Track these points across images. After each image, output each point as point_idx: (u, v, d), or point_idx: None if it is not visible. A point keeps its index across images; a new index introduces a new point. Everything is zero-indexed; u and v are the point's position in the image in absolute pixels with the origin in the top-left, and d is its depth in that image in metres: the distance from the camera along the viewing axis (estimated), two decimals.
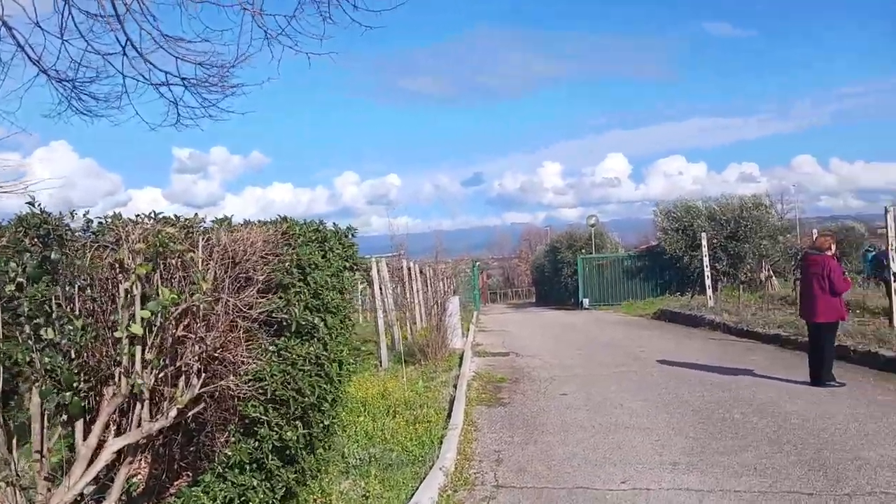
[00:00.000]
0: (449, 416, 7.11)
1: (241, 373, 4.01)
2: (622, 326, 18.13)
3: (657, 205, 27.59)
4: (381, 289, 12.16)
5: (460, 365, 10.81)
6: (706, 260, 18.55)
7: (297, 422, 4.42)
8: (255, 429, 4.29)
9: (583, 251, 30.59)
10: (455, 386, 8.85)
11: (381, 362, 11.15)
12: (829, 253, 8.12)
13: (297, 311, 3.97)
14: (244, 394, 4.08)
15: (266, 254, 3.90)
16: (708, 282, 18.44)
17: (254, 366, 4.01)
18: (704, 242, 18.71)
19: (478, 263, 46.34)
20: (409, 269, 16.81)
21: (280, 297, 3.99)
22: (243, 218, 4.64)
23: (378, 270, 11.96)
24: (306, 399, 4.33)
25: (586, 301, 28.32)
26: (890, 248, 10.84)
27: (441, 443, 5.99)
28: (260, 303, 3.81)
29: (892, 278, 10.71)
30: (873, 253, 20.40)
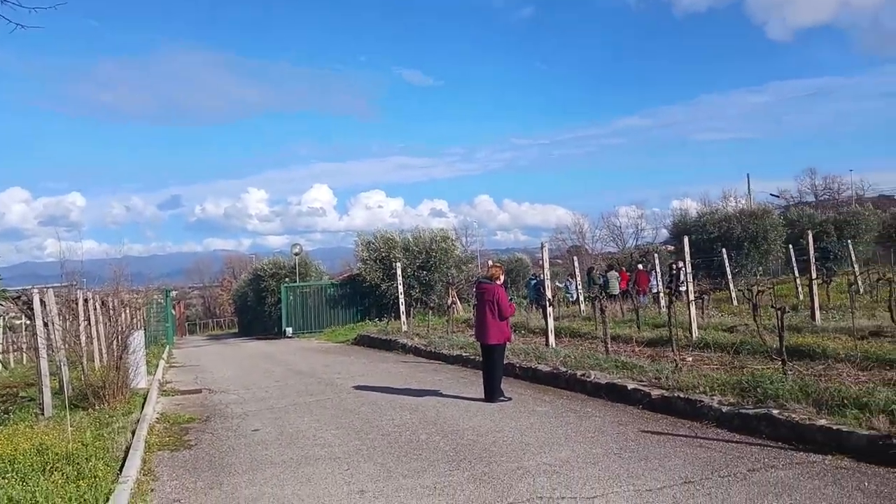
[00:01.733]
0: (122, 467, 6.33)
1: None
2: (322, 354, 18.24)
3: (358, 235, 28.67)
4: (46, 324, 10.49)
5: (143, 407, 9.78)
6: (401, 287, 19.68)
7: None
8: None
9: (287, 279, 30.31)
10: (134, 432, 7.95)
11: (43, 410, 9.58)
12: (498, 282, 9.13)
13: None
14: None
15: None
16: (402, 308, 19.55)
17: None
18: (399, 271, 19.85)
19: (174, 292, 42.99)
20: (85, 300, 14.83)
21: None
22: None
23: (43, 303, 10.31)
24: None
25: (290, 330, 28.05)
26: (546, 277, 12.63)
27: (108, 499, 5.28)
28: None
29: (547, 304, 12.48)
30: (535, 281, 23.60)
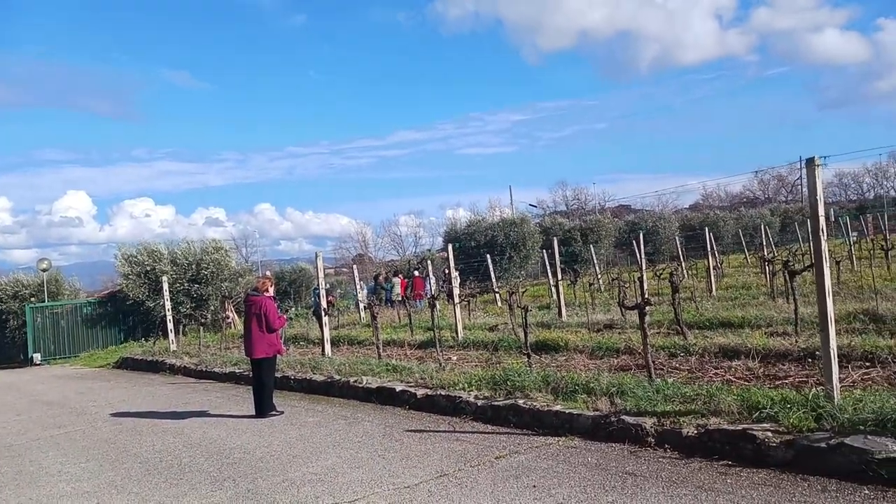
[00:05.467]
0: None
1: None
2: (77, 381, 16.49)
3: (119, 248, 26.34)
4: None
5: None
6: (167, 304, 18.46)
7: None
8: None
9: (33, 300, 26.91)
10: None
11: None
12: (267, 294, 9.02)
13: None
14: None
15: None
16: (170, 325, 18.34)
17: None
18: (166, 286, 18.61)
19: None
20: None
21: None
22: None
23: None
24: None
25: (38, 356, 24.97)
26: (321, 287, 12.71)
27: None
28: None
29: (323, 313, 12.57)
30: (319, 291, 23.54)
